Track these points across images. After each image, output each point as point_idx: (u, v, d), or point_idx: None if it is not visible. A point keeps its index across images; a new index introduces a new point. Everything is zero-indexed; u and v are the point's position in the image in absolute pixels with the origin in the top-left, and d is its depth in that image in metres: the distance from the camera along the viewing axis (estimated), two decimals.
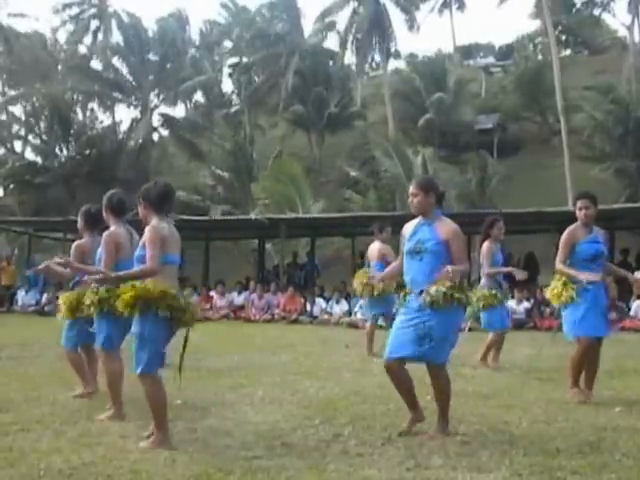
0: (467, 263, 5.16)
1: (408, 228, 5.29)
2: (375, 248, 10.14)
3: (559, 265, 6.41)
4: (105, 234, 5.85)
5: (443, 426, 5.19)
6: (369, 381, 7.62)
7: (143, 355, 4.87)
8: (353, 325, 16.25)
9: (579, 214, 6.43)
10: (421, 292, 5.04)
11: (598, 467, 4.30)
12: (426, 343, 5.01)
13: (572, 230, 6.44)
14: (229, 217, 25.12)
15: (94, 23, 43.05)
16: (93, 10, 42.94)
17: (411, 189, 5.23)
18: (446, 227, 5.12)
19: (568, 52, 50.39)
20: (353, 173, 29.05)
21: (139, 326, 4.86)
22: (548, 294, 6.63)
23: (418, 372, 8.29)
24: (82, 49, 43.59)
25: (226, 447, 4.80)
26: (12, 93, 42.78)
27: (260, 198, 26.37)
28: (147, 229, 4.91)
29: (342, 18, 39.87)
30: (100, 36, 42.89)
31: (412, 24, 39.07)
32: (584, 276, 6.18)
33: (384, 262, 9.67)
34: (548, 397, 6.42)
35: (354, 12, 38.71)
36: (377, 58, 41.44)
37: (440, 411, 5.24)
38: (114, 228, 5.92)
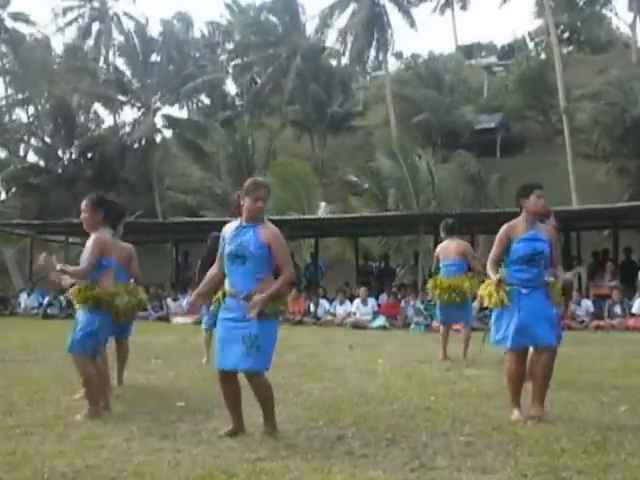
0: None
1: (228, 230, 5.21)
2: (452, 245, 9.55)
3: (488, 264, 5.74)
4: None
5: (271, 429, 5.15)
6: (373, 382, 7.61)
7: (78, 338, 5.78)
8: (357, 326, 16.25)
9: (536, 203, 5.73)
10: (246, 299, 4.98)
11: (604, 467, 4.28)
12: (253, 353, 4.96)
13: (510, 225, 5.75)
14: (232, 218, 25.07)
15: (96, 26, 43.09)
16: (95, 13, 42.97)
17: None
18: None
19: (570, 49, 50.28)
20: (354, 178, 29.09)
21: (85, 317, 5.82)
22: (481, 292, 5.92)
23: (417, 374, 8.30)
24: (86, 51, 43.60)
25: (230, 449, 4.79)
26: (16, 96, 42.87)
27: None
28: (91, 237, 5.89)
29: (343, 19, 39.94)
30: (103, 38, 42.92)
31: (411, 24, 39.03)
32: (492, 278, 5.61)
33: (465, 260, 9.49)
34: (552, 397, 6.38)
35: (354, 13, 38.70)
36: (377, 59, 41.42)
37: (266, 416, 5.19)
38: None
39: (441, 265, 9.63)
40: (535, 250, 5.65)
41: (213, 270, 5.33)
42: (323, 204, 26.32)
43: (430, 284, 9.77)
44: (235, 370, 5.09)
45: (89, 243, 5.89)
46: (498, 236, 5.76)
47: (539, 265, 5.69)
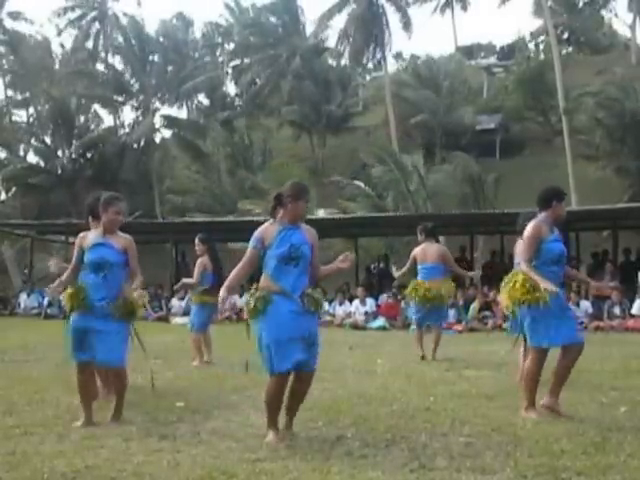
0: None
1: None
2: (432, 249, 9.66)
3: (525, 266, 5.74)
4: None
5: (290, 427, 5.20)
6: (372, 383, 7.61)
7: (123, 349, 5.61)
8: (356, 326, 16.25)
9: (562, 208, 5.92)
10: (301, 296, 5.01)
11: (603, 468, 4.27)
12: (314, 350, 5.04)
13: (538, 226, 5.81)
14: (231, 219, 25.10)
15: (96, 26, 43.13)
16: (95, 13, 43.00)
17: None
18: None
19: (569, 51, 50.30)
20: (348, 180, 29.28)
21: (122, 325, 5.55)
22: (507, 291, 5.87)
23: (416, 375, 8.29)
24: (85, 52, 43.62)
25: (229, 450, 4.79)
26: (15, 96, 42.88)
27: (252, 207, 26.41)
28: (130, 239, 5.62)
29: (342, 20, 39.95)
30: (102, 39, 42.96)
31: (409, 25, 39.10)
32: (546, 285, 5.56)
33: (443, 264, 9.62)
34: None
35: (352, 13, 38.71)
36: (377, 59, 41.43)
37: (294, 415, 5.21)
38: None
39: (419, 267, 9.67)
40: (561, 250, 5.86)
41: (246, 271, 5.17)
42: (321, 211, 26.47)
43: (409, 288, 9.78)
44: (289, 371, 5.01)
45: (134, 247, 5.67)
46: (530, 237, 5.78)
47: (564, 265, 5.93)
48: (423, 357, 9.52)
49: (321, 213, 25.83)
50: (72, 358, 5.59)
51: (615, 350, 10.37)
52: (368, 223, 21.95)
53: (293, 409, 5.19)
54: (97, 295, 5.50)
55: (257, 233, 5.09)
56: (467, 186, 27.00)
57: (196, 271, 9.48)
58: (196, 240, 9.66)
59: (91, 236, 5.66)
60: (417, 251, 9.73)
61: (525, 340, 7.63)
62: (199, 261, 9.56)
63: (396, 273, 10.18)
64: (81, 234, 5.76)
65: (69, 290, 5.60)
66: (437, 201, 25.65)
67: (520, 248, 6.83)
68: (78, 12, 43.35)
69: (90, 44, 43.41)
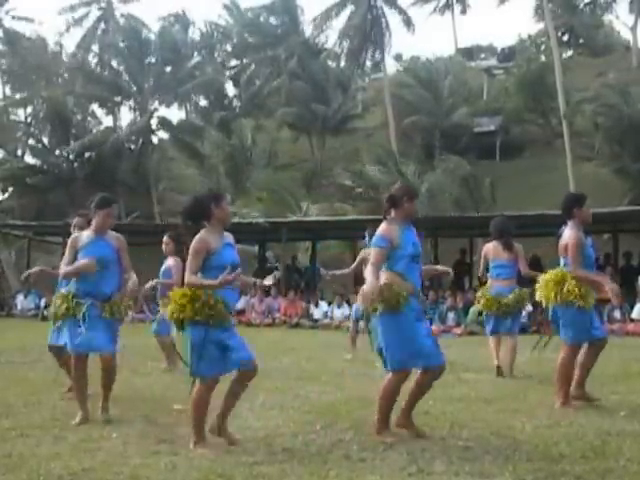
0: None
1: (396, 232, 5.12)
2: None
3: (580, 271, 5.87)
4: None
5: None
6: (371, 386, 7.56)
7: None
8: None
9: (585, 212, 6.04)
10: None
11: (602, 472, 4.26)
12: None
13: (580, 233, 5.94)
14: (231, 221, 25.07)
15: (95, 26, 43.15)
16: (97, 13, 43.08)
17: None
18: None
19: (570, 53, 50.30)
20: (347, 182, 29.31)
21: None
22: (570, 288, 5.87)
23: (415, 378, 8.26)
24: (83, 52, 43.62)
25: (227, 452, 4.77)
26: (14, 96, 42.87)
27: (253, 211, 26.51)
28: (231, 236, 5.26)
29: (341, 21, 39.97)
30: (101, 39, 43.00)
31: (409, 26, 39.15)
32: (612, 285, 5.85)
33: None
34: (551, 402, 6.36)
35: (351, 15, 38.72)
36: (375, 60, 41.44)
37: (412, 409, 5.29)
38: None
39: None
40: (593, 255, 6.11)
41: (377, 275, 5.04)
42: (314, 206, 26.55)
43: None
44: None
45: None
46: (578, 245, 5.94)
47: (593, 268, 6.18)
48: (349, 359, 9.57)
49: (313, 210, 25.87)
50: (208, 374, 4.92)
51: (615, 354, 10.32)
52: (366, 225, 21.90)
53: (413, 403, 5.30)
54: (232, 301, 5.05)
55: (384, 234, 5.12)
56: (463, 189, 27.01)
57: (179, 272, 8.56)
58: (166, 238, 8.82)
59: (212, 238, 4.94)
60: (365, 254, 9.66)
61: (497, 337, 7.93)
62: (176, 261, 8.52)
63: (331, 273, 10.24)
64: (199, 237, 4.92)
65: (206, 309, 4.80)
66: (435, 204, 25.61)
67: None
68: (79, 12, 43.44)
69: (92, 44, 43.39)
